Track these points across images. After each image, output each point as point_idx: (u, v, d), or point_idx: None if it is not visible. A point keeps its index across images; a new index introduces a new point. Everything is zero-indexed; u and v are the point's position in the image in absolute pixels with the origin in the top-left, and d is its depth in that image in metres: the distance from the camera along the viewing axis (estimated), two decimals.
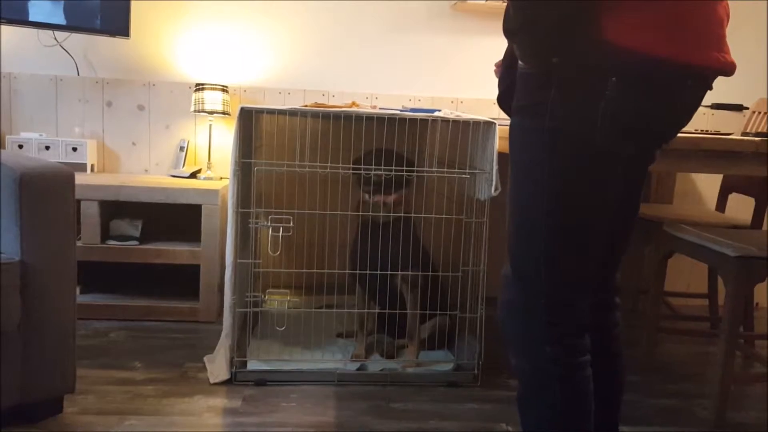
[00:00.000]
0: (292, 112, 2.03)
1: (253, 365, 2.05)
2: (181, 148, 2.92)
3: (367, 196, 2.12)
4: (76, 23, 2.69)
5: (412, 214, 2.18)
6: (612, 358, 1.32)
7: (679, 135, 1.54)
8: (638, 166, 1.26)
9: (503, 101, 1.33)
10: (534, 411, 1.21)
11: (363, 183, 2.12)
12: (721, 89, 3.13)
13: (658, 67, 1.06)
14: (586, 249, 1.15)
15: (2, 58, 2.85)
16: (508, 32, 1.15)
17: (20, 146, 2.72)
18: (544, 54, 1.10)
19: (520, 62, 1.16)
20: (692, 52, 1.07)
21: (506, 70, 1.29)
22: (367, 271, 2.09)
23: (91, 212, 2.49)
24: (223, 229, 2.55)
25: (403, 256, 2.11)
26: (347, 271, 2.19)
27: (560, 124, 1.10)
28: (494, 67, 1.45)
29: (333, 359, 2.14)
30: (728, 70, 1.14)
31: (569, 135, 1.10)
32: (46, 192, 1.57)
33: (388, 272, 2.09)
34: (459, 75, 3.10)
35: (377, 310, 2.21)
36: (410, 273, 2.11)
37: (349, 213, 2.23)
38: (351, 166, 2.12)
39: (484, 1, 2.95)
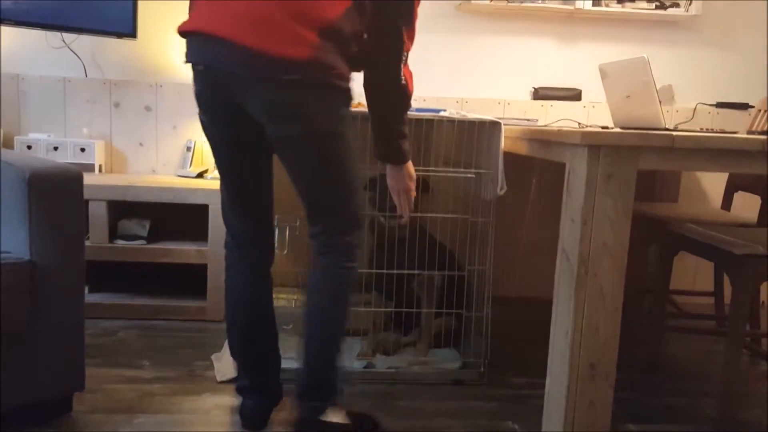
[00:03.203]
0: None
1: None
2: (188, 149, 2.94)
3: (383, 219, 2.09)
4: (83, 25, 2.71)
5: (427, 221, 2.16)
6: (263, 279, 1.76)
7: (685, 134, 1.53)
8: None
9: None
10: None
11: (378, 207, 2.07)
12: (724, 88, 3.15)
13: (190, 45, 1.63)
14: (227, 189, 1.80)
15: (12, 60, 2.87)
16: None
17: (29, 147, 2.74)
18: None
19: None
20: (201, 25, 1.57)
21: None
22: (392, 271, 2.09)
23: (99, 212, 2.50)
24: None
25: (422, 262, 2.10)
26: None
27: None
28: None
29: None
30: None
31: None
32: (55, 192, 1.59)
33: (405, 271, 2.09)
34: (464, 75, 3.10)
35: (387, 309, 2.20)
36: (426, 273, 2.11)
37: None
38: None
39: (488, 2, 2.96)
